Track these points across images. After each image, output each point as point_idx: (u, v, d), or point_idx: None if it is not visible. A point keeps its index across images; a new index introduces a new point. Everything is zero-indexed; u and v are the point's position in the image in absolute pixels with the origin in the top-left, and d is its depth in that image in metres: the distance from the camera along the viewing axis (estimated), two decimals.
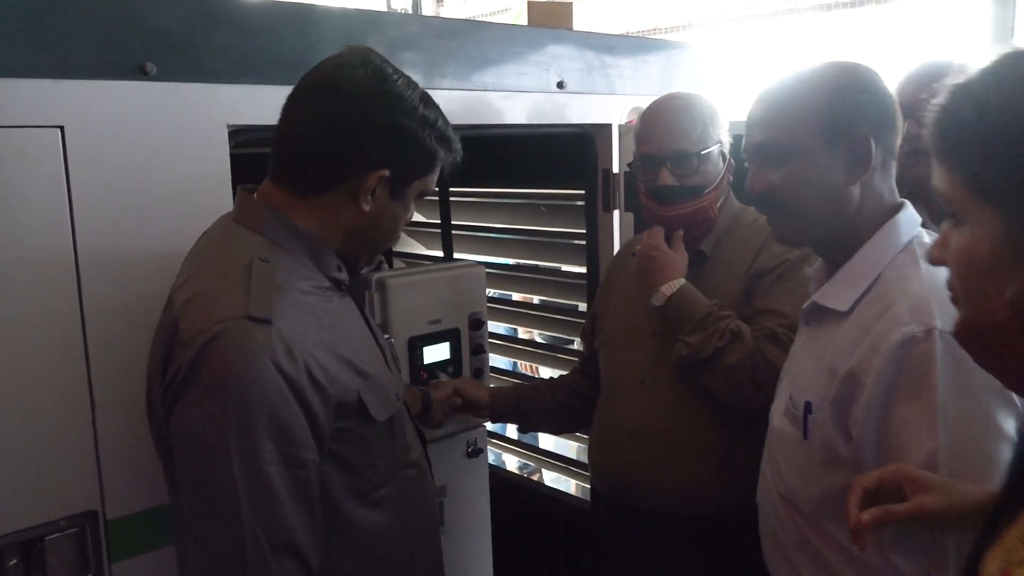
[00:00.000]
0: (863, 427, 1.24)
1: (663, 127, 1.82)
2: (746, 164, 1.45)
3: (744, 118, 1.44)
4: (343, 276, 1.33)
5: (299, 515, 1.16)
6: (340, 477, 1.25)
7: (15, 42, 1.34)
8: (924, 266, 1.26)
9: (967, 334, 0.85)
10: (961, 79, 0.84)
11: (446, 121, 1.34)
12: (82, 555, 1.46)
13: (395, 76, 1.28)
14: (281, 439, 1.14)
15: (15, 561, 1.40)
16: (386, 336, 1.65)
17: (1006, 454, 1.15)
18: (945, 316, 1.17)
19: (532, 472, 3.67)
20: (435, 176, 1.36)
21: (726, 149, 1.84)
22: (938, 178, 0.86)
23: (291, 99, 1.29)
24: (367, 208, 1.28)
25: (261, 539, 1.12)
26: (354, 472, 1.27)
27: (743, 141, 1.44)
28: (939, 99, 0.85)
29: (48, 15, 1.37)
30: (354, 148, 1.25)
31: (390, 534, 1.33)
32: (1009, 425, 1.18)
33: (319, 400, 1.18)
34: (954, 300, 0.89)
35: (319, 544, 1.20)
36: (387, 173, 1.27)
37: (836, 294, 1.36)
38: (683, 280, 1.75)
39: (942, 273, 1.23)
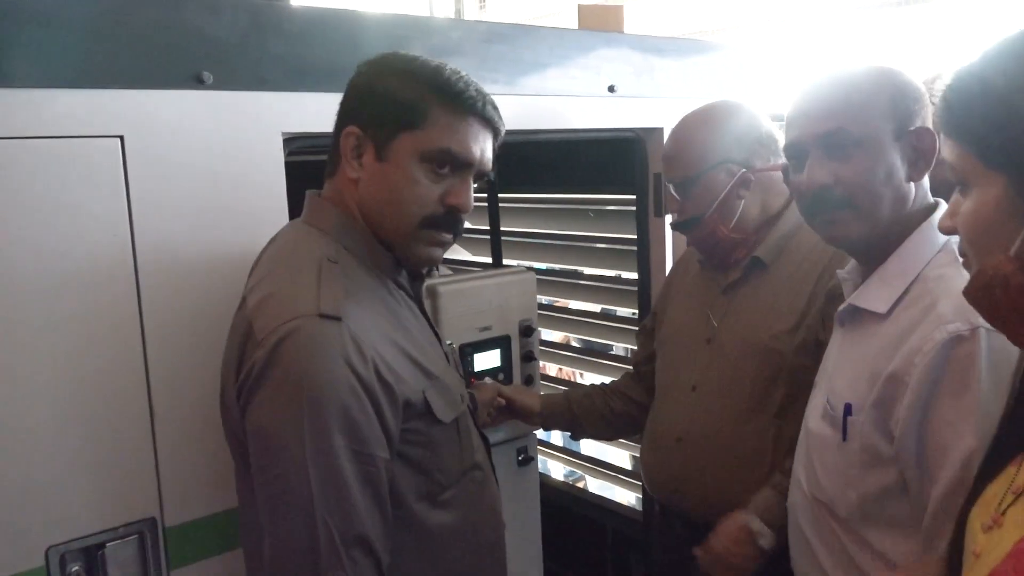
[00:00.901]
0: (905, 427, 1.22)
1: (666, 155, 1.84)
2: (788, 159, 1.41)
3: (786, 116, 1.40)
4: (403, 278, 1.36)
5: (370, 510, 1.17)
6: (409, 478, 1.26)
7: (75, 54, 1.36)
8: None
9: (977, 291, 0.89)
10: (965, 63, 0.91)
11: (453, 75, 1.28)
12: (141, 562, 1.47)
13: (410, 55, 1.32)
14: (352, 435, 1.15)
15: (76, 567, 1.41)
16: (448, 342, 1.64)
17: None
18: None
19: (579, 480, 3.64)
20: (439, 134, 1.26)
21: (741, 162, 1.76)
22: (947, 151, 0.93)
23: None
24: (353, 174, 1.28)
25: (334, 532, 1.14)
26: (423, 473, 1.28)
27: (787, 134, 1.39)
28: (946, 80, 0.92)
29: (106, 27, 1.38)
30: (339, 114, 1.31)
31: (457, 535, 1.34)
32: None
33: (387, 398, 1.19)
34: (965, 265, 0.96)
35: (389, 541, 1.21)
36: (356, 130, 1.27)
37: (874, 296, 1.33)
38: None
39: None
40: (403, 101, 1.26)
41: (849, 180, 1.30)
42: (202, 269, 1.50)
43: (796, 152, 1.37)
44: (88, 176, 1.37)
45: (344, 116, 1.31)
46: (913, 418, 1.21)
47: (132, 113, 1.40)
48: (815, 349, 1.64)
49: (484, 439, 1.50)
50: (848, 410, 1.31)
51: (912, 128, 1.30)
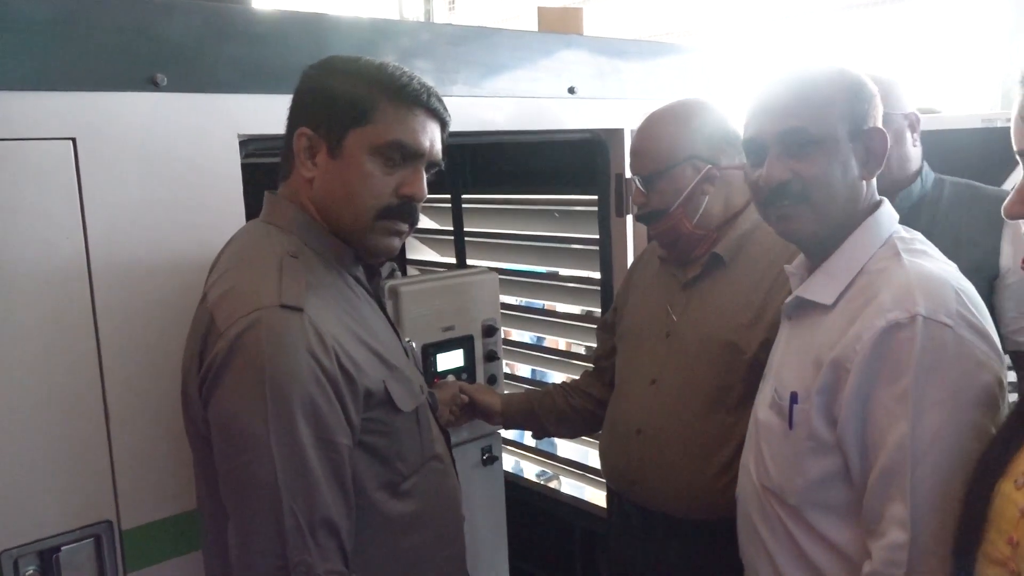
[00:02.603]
0: (847, 413, 1.26)
1: (634, 148, 1.86)
2: (746, 154, 1.43)
3: (745, 113, 1.42)
4: (359, 273, 1.39)
5: (334, 496, 1.20)
6: (370, 467, 1.28)
7: (27, 56, 1.35)
8: (907, 258, 1.30)
9: None
10: None
11: (396, 70, 1.32)
12: (98, 565, 1.47)
13: (355, 56, 1.35)
14: (315, 422, 1.18)
15: (31, 570, 1.41)
16: (407, 340, 1.67)
17: (974, 448, 1.18)
18: (929, 302, 1.21)
19: (549, 479, 3.66)
20: (387, 127, 1.30)
21: (707, 159, 1.78)
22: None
23: None
24: (308, 173, 1.32)
25: (299, 517, 1.16)
26: (383, 462, 1.30)
27: (746, 130, 1.42)
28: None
29: (59, 29, 1.38)
30: (289, 117, 1.34)
31: (416, 524, 1.36)
32: (984, 422, 1.20)
33: (348, 386, 1.22)
34: None
35: (353, 528, 1.23)
36: (307, 131, 1.31)
37: (820, 288, 1.38)
38: None
39: (927, 265, 1.25)
40: (350, 98, 1.29)
41: (806, 177, 1.34)
42: (157, 271, 1.49)
43: (755, 148, 1.40)
44: (40, 178, 1.37)
45: (295, 118, 1.34)
46: (854, 403, 1.26)
47: (85, 115, 1.40)
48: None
49: (444, 432, 1.52)
50: (794, 399, 1.35)
51: (866, 128, 1.35)
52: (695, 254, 1.84)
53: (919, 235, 1.39)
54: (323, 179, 1.32)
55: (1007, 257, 1.78)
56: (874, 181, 1.40)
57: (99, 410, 1.46)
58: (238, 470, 1.18)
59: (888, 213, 1.39)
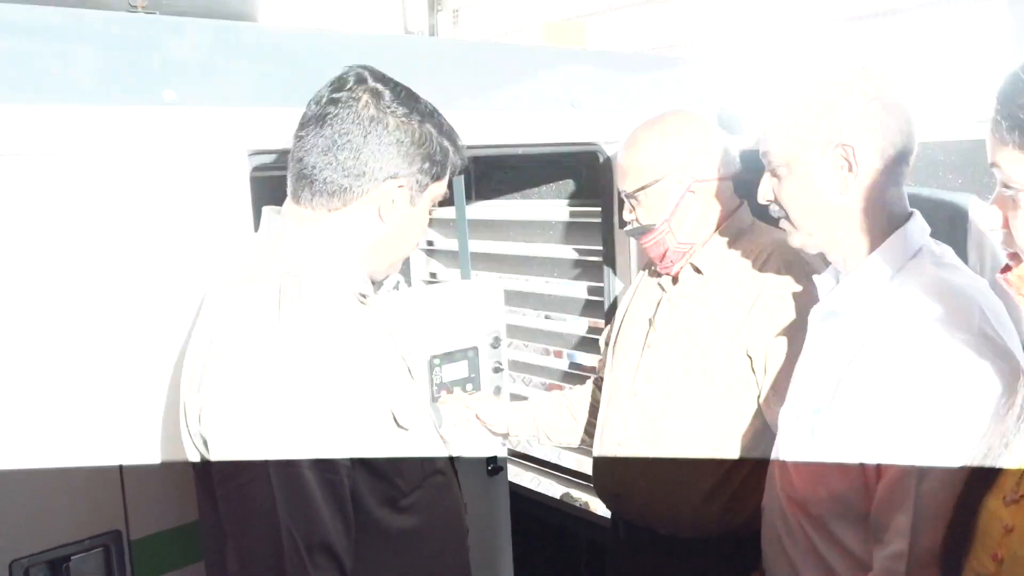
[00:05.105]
0: (866, 423, 1.27)
1: (617, 165, 1.88)
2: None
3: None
4: (367, 289, 1.39)
5: (332, 517, 1.20)
6: (370, 483, 1.28)
7: (37, 70, 1.37)
8: (936, 272, 1.31)
9: None
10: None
11: (450, 127, 1.39)
12: (107, 574, 1.48)
13: (395, 90, 1.34)
14: (314, 444, 1.18)
15: None
16: (408, 354, 1.68)
17: (965, 452, 1.18)
18: (952, 318, 1.22)
19: (554, 490, 3.66)
20: (447, 180, 1.42)
21: (691, 172, 1.79)
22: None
23: (301, 123, 1.36)
24: (387, 220, 1.35)
25: (298, 540, 1.16)
26: (383, 478, 1.31)
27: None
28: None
29: (69, 43, 1.40)
30: (369, 163, 1.31)
31: (419, 540, 1.36)
32: (974, 431, 1.19)
33: (348, 406, 1.22)
34: None
35: (352, 546, 1.23)
36: (402, 184, 1.34)
37: (846, 298, 1.39)
38: None
39: (955, 279, 1.26)
40: (436, 158, 1.36)
41: (780, 198, 1.41)
42: (166, 282, 1.51)
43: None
44: (52, 191, 1.39)
45: (372, 165, 1.32)
46: (872, 414, 1.26)
47: (95, 129, 1.42)
48: (749, 360, 1.70)
49: (447, 447, 1.52)
50: (816, 410, 1.36)
51: (833, 145, 1.34)
52: (677, 266, 1.85)
53: (949, 249, 1.40)
54: (397, 225, 1.37)
55: (972, 263, 1.76)
56: (899, 193, 1.38)
57: (109, 421, 1.47)
58: (237, 491, 1.19)
59: (919, 226, 1.39)
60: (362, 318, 1.37)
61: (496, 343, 2.35)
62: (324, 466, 1.19)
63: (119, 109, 1.44)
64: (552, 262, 3.12)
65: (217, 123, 1.55)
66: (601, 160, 2.36)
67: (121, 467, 1.49)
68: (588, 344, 3.05)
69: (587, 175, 2.47)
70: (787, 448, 1.44)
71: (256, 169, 1.62)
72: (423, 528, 1.37)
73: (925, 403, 1.21)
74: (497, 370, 2.37)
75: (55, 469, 1.42)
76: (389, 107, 1.32)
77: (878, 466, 1.27)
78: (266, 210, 1.42)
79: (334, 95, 1.32)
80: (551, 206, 3.04)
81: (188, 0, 1.68)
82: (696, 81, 2.49)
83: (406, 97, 1.34)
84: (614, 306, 2.43)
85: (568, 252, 3.01)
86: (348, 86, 1.32)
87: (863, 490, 1.30)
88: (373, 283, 1.46)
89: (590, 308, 3.00)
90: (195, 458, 1.31)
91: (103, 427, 1.47)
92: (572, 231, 2.99)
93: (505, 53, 2.08)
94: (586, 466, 3.37)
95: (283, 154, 1.64)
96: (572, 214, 2.95)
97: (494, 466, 2.41)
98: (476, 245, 3.26)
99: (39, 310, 1.39)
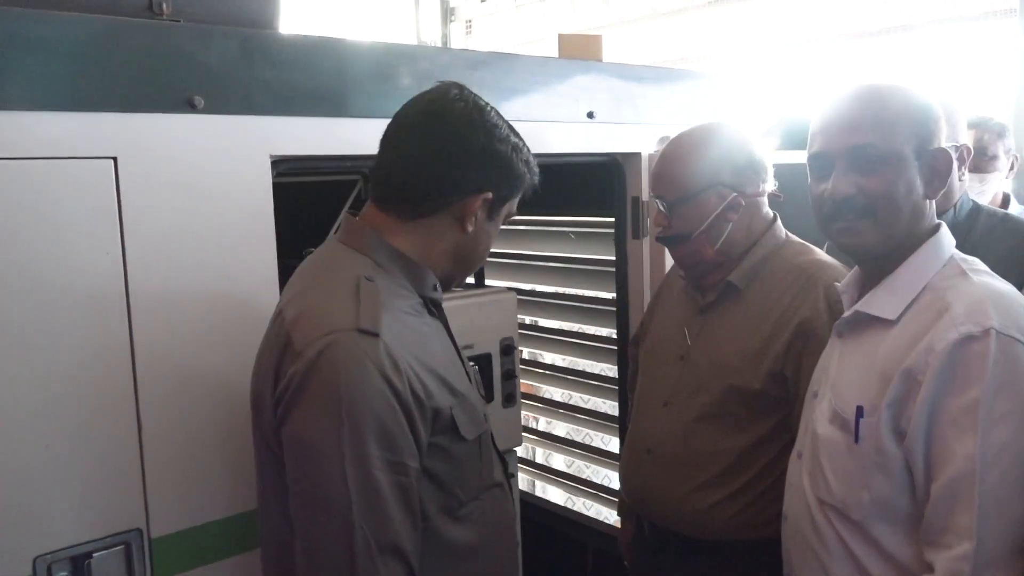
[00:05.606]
0: (916, 424, 1.27)
1: (658, 172, 1.86)
2: (810, 169, 1.45)
3: (811, 128, 1.44)
4: (438, 295, 1.41)
5: (403, 519, 1.22)
6: (431, 492, 1.29)
7: (71, 78, 1.41)
8: (974, 277, 1.33)
9: None
10: None
11: (528, 147, 1.43)
12: (127, 572, 1.50)
13: (488, 107, 1.38)
14: (387, 446, 1.20)
15: None
16: (471, 364, 1.70)
17: None
18: (1002, 318, 1.24)
19: (564, 499, 3.67)
20: (516, 200, 1.45)
21: (732, 186, 1.78)
22: None
23: (394, 129, 1.37)
24: (471, 230, 1.38)
25: (370, 539, 1.18)
26: (444, 488, 1.32)
27: (813, 145, 1.44)
28: None
29: (101, 52, 1.44)
30: (459, 174, 1.34)
31: (473, 550, 1.37)
32: None
33: (419, 411, 1.24)
34: None
35: (418, 550, 1.25)
36: (490, 196, 1.36)
37: (882, 303, 1.39)
38: None
39: (996, 282, 1.30)
40: (519, 175, 1.40)
41: (872, 192, 1.37)
42: (190, 286, 1.54)
43: (822, 163, 1.42)
44: (82, 197, 1.42)
45: (463, 175, 1.35)
46: (922, 415, 1.26)
47: (125, 135, 1.45)
48: (782, 379, 1.70)
49: (502, 458, 1.53)
50: (860, 412, 1.35)
51: (931, 148, 1.37)
52: (710, 280, 1.85)
53: (977, 259, 1.41)
54: (474, 236, 1.40)
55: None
56: (935, 203, 1.42)
57: (132, 420, 1.50)
58: (311, 489, 1.21)
59: (948, 236, 1.41)
60: (433, 326, 1.40)
61: (509, 350, 2.36)
62: (396, 468, 1.21)
63: (147, 117, 1.48)
64: (567, 271, 3.14)
65: (242, 129, 1.58)
66: (617, 170, 2.38)
67: (143, 466, 1.51)
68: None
69: (603, 184, 2.49)
70: (823, 452, 1.42)
71: (279, 175, 1.66)
72: (478, 539, 1.38)
73: (981, 400, 1.21)
74: (509, 376, 2.38)
75: (78, 467, 1.45)
76: (484, 122, 1.35)
77: (928, 467, 1.27)
78: (344, 216, 1.44)
79: (430, 107, 1.36)
80: (567, 215, 3.06)
81: (208, 7, 1.71)
82: (709, 93, 2.52)
83: (496, 114, 1.38)
84: (626, 312, 2.46)
85: (583, 261, 3.03)
86: (447, 98, 1.35)
87: (909, 494, 1.30)
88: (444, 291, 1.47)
89: (602, 316, 3.02)
90: (264, 449, 1.33)
91: (125, 426, 1.50)
92: (587, 240, 3.01)
93: (520, 63, 2.10)
94: (592, 475, 3.39)
95: (303, 160, 1.68)
96: (587, 223, 2.97)
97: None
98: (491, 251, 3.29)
99: (69, 308, 1.42)
